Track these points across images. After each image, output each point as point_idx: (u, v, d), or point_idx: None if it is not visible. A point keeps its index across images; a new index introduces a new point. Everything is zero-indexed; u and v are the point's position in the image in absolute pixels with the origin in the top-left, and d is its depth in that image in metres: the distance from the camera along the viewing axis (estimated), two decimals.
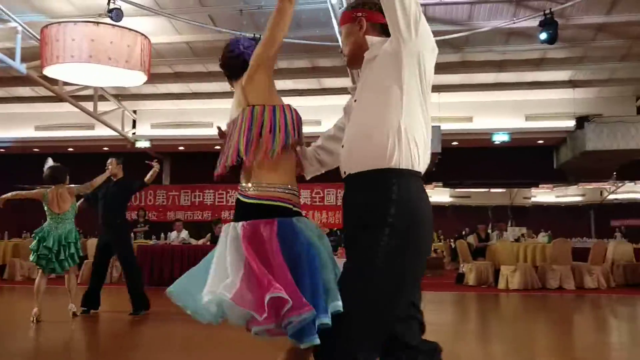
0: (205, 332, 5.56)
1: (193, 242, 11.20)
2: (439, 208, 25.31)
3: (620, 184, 19.84)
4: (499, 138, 12.67)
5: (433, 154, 10.50)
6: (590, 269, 9.96)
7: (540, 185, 17.78)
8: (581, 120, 11.98)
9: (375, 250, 1.80)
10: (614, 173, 14.95)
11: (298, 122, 2.21)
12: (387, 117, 1.86)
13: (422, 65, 1.89)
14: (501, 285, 9.92)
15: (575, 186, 19.62)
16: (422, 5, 7.65)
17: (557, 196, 21.17)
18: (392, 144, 1.84)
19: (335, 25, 8.01)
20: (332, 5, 7.70)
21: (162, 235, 11.82)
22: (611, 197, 23.06)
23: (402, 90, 1.86)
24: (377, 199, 1.84)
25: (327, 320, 1.76)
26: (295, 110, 2.24)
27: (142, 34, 8.07)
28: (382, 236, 1.80)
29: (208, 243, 10.89)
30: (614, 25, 9.67)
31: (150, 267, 10.10)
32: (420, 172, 1.91)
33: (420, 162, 1.90)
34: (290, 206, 2.08)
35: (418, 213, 1.85)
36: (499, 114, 12.75)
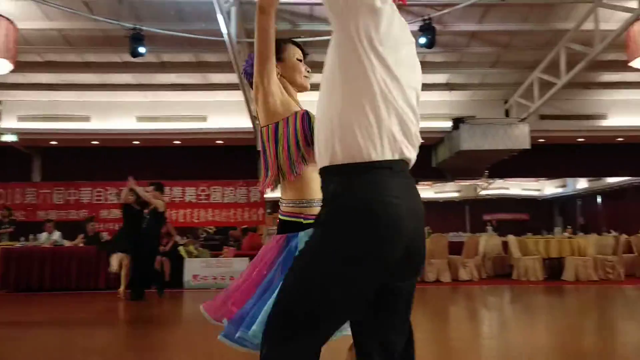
0: (75, 340, 5.19)
1: (66, 243, 10.45)
2: None
3: (491, 181, 21.40)
4: None
5: None
6: (464, 262, 10.58)
7: (420, 182, 18.66)
8: (457, 122, 12.66)
9: (302, 252, 1.66)
10: (486, 171, 16.01)
11: (304, 129, 2.13)
12: (326, 111, 1.65)
13: (361, 34, 1.57)
14: None
15: (452, 183, 20.86)
16: (305, 4, 7.65)
17: (436, 192, 22.43)
18: (327, 139, 1.62)
19: (221, 19, 7.81)
20: None
21: (31, 236, 10.94)
22: (483, 193, 24.82)
23: (338, 73, 1.61)
24: (322, 200, 1.68)
25: (243, 333, 1.93)
26: (302, 115, 2.15)
27: (7, 18, 7.39)
28: (313, 238, 1.63)
29: (81, 245, 10.21)
30: (485, 33, 10.34)
31: (17, 272, 9.30)
32: (370, 162, 1.57)
33: (366, 151, 1.57)
34: (300, 220, 2.11)
35: (355, 215, 1.53)
36: None
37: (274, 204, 24.18)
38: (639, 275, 10.98)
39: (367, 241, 1.52)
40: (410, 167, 1.67)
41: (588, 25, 9.27)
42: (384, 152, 1.58)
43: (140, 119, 12.96)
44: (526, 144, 12.32)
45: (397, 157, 1.60)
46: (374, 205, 1.54)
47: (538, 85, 11.62)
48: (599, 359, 4.32)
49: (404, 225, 1.56)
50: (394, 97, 1.60)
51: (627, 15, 8.34)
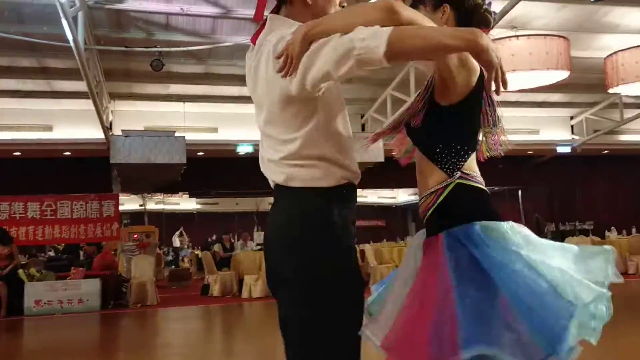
0: None
1: None
2: (187, 216, 25.14)
3: None
4: (243, 149, 12.98)
5: (178, 165, 10.10)
6: None
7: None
8: None
9: None
10: None
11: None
12: None
13: None
14: (244, 294, 10.18)
15: None
16: (161, 14, 7.33)
17: None
18: None
19: (65, 24, 7.23)
20: (60, 2, 6.92)
21: None
22: None
23: None
24: None
25: None
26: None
27: None
28: None
29: None
30: None
31: None
32: None
33: None
34: None
35: None
36: (243, 125, 12.99)
37: (131, 216, 22.97)
38: None
39: None
40: (274, 189, 1.78)
41: None
42: None
43: None
44: (380, 157, 12.91)
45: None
46: None
47: (391, 102, 12.26)
48: None
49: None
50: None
51: None
